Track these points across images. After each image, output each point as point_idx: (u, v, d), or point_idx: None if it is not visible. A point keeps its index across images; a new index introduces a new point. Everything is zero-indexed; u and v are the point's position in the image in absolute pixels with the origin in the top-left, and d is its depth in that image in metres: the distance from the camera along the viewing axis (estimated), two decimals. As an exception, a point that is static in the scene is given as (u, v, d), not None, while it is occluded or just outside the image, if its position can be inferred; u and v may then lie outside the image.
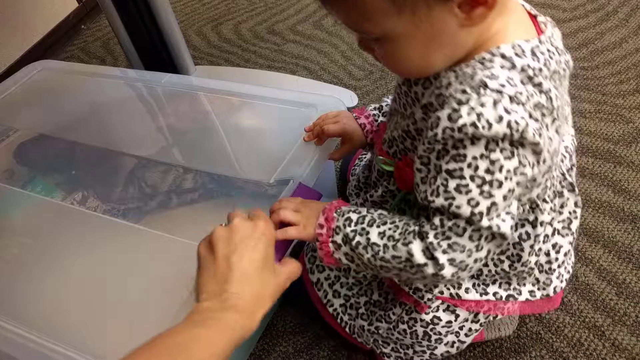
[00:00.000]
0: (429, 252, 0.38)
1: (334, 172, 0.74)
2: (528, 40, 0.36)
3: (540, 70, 0.36)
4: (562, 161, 0.45)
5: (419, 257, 0.39)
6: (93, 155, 0.73)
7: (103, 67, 0.90)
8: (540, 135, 0.34)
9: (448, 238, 0.38)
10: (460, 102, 0.34)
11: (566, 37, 0.97)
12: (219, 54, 1.17)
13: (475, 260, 0.39)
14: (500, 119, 0.33)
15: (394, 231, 0.41)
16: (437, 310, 0.48)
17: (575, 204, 0.47)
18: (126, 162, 0.71)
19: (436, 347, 0.51)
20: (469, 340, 0.51)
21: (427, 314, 0.49)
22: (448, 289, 0.48)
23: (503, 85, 0.34)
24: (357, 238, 0.42)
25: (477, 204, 0.36)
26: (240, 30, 1.26)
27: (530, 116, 0.34)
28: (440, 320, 0.48)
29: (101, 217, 0.63)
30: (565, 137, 0.46)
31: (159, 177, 0.74)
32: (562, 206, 0.46)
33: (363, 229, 0.42)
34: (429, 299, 0.47)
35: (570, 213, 0.47)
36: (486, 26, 0.36)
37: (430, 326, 0.49)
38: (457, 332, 0.50)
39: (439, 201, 0.37)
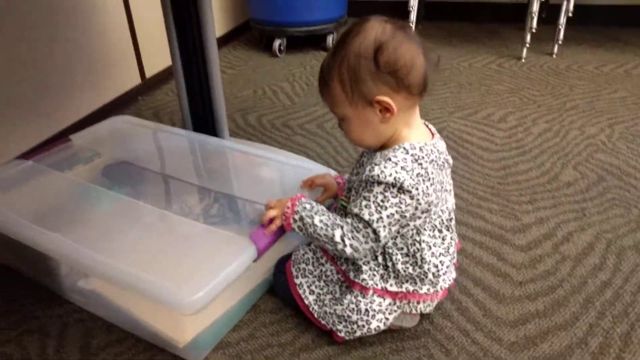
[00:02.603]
0: (342, 237, 0.71)
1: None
2: (419, 142, 0.70)
3: (423, 157, 0.69)
4: (443, 213, 0.75)
5: (337, 239, 0.71)
6: (155, 179, 1.06)
7: (166, 125, 1.26)
8: (415, 188, 0.67)
9: (352, 232, 0.71)
10: (376, 165, 0.69)
11: (492, 162, 1.36)
12: (244, 135, 1.55)
13: (364, 249, 0.71)
14: (391, 174, 0.67)
15: (328, 220, 0.73)
16: (373, 295, 0.76)
17: (451, 239, 0.77)
18: (176, 186, 1.04)
19: (371, 323, 0.76)
20: (391, 318, 0.77)
21: (367, 297, 0.75)
22: (380, 283, 0.75)
23: (398, 161, 0.68)
24: (306, 219, 0.74)
25: (372, 214, 0.68)
26: (262, 120, 1.66)
27: (410, 177, 0.67)
28: (375, 300, 0.76)
29: (155, 209, 0.91)
30: (449, 202, 0.78)
31: (194, 203, 1.06)
32: (443, 239, 0.76)
33: (311, 215, 0.74)
34: (370, 285, 0.76)
35: (448, 243, 0.77)
36: (398, 131, 0.71)
37: (369, 304, 0.75)
38: (384, 311, 0.76)
39: (355, 210, 0.70)
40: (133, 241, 0.83)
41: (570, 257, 1.00)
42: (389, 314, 0.78)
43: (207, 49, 1.17)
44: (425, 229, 0.74)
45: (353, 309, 0.77)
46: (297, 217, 0.76)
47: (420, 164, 0.69)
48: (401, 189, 0.67)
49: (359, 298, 0.78)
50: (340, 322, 0.79)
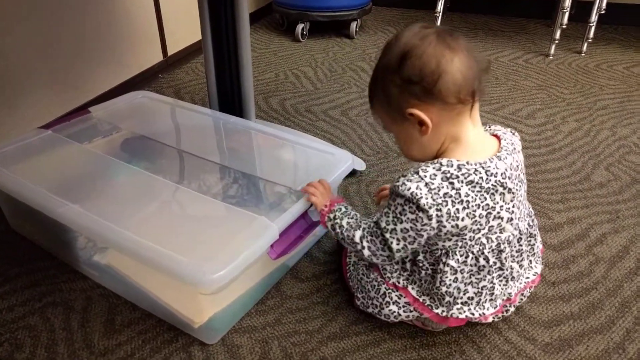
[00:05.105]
0: (362, 238, 0.71)
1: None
2: (459, 160, 0.62)
3: (458, 177, 0.61)
4: (489, 242, 0.66)
5: (357, 239, 0.71)
6: (174, 155, 1.03)
7: (184, 102, 1.23)
8: (436, 209, 0.61)
9: (371, 235, 0.70)
10: (403, 176, 0.64)
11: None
12: (266, 118, 1.52)
13: (381, 256, 0.70)
14: (410, 189, 0.62)
15: (353, 223, 0.73)
16: (395, 287, 0.75)
17: (489, 272, 0.68)
18: (197, 163, 1.00)
19: (383, 309, 0.74)
20: (403, 315, 0.74)
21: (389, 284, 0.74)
22: (404, 282, 0.73)
23: (425, 176, 0.62)
24: (337, 220, 0.75)
25: (388, 224, 0.67)
26: (285, 104, 1.63)
27: (431, 196, 0.61)
28: (396, 290, 0.74)
29: (174, 185, 0.88)
30: (505, 232, 0.67)
31: (214, 181, 1.03)
32: (479, 269, 0.68)
33: (342, 217, 0.75)
34: (392, 281, 0.74)
35: (484, 276, 0.68)
36: (445, 145, 0.66)
37: (389, 291, 0.74)
38: (400, 306, 0.73)
39: (377, 215, 0.70)
40: (152, 216, 0.82)
41: (605, 259, 0.97)
42: (404, 312, 0.75)
43: (238, 27, 1.14)
44: (455, 253, 0.67)
45: (374, 286, 0.76)
46: (332, 215, 0.77)
47: (452, 183, 0.62)
48: (418, 207, 0.63)
49: (382, 279, 0.76)
50: (361, 292, 0.79)
